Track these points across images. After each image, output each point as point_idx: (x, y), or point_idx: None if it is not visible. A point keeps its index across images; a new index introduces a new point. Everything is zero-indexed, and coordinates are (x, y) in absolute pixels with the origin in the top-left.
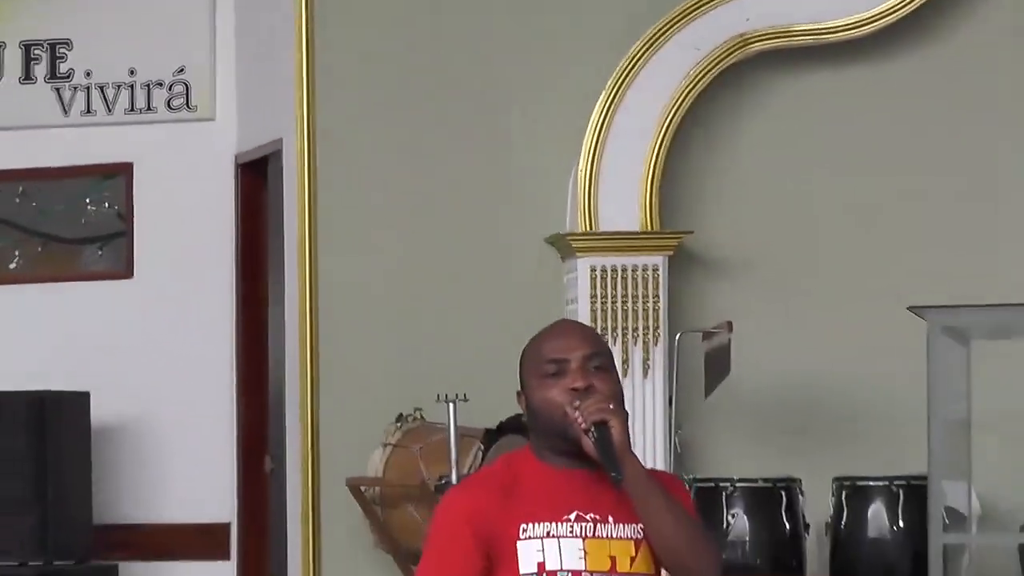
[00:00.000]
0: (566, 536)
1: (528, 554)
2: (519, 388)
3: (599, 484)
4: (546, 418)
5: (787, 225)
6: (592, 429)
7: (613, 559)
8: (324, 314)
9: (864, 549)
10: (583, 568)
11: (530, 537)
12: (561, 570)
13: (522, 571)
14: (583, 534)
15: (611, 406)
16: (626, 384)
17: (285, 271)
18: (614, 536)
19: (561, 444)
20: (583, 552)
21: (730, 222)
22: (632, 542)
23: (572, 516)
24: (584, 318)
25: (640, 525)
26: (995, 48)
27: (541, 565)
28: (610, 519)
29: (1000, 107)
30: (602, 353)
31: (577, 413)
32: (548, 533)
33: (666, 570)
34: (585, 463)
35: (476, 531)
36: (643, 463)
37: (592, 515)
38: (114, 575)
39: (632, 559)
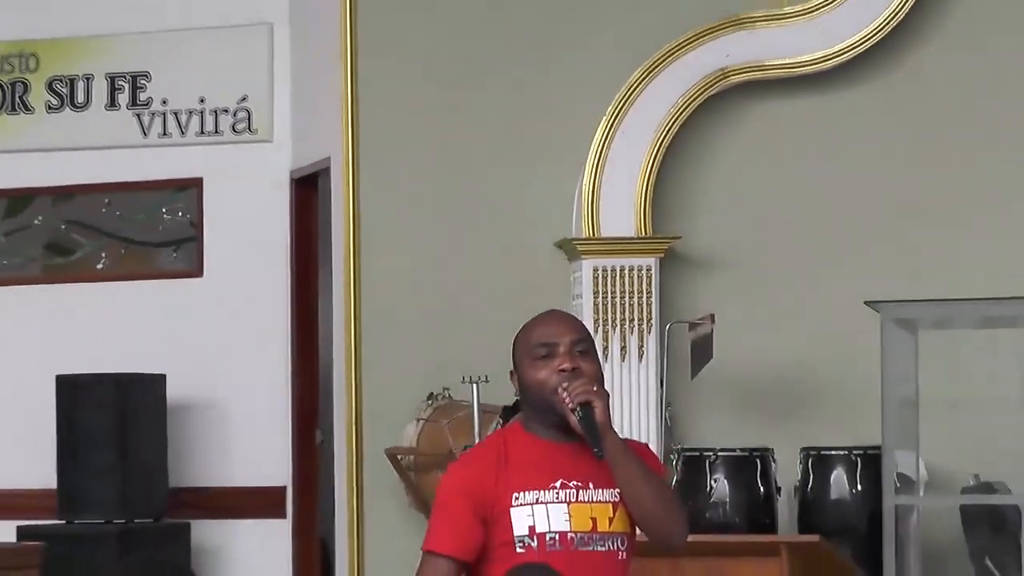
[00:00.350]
0: (553, 502)
1: (520, 519)
2: (512, 369)
3: (581, 454)
4: (537, 395)
5: (762, 231)
6: (578, 408)
7: (594, 520)
8: (366, 308)
9: (827, 509)
10: (568, 529)
11: (522, 504)
12: (549, 531)
13: (516, 533)
14: (567, 499)
15: (595, 388)
16: (623, 368)
17: (333, 270)
18: (594, 500)
19: (550, 418)
20: (568, 515)
21: (713, 229)
22: (610, 505)
23: (558, 484)
24: (588, 312)
25: (617, 490)
26: (939, 78)
27: (532, 528)
28: (591, 485)
29: (943, 128)
30: (586, 339)
31: (565, 394)
32: (537, 500)
33: (641, 529)
34: (569, 435)
35: (473, 502)
36: (620, 436)
37: (575, 482)
38: (186, 531)
39: (610, 519)
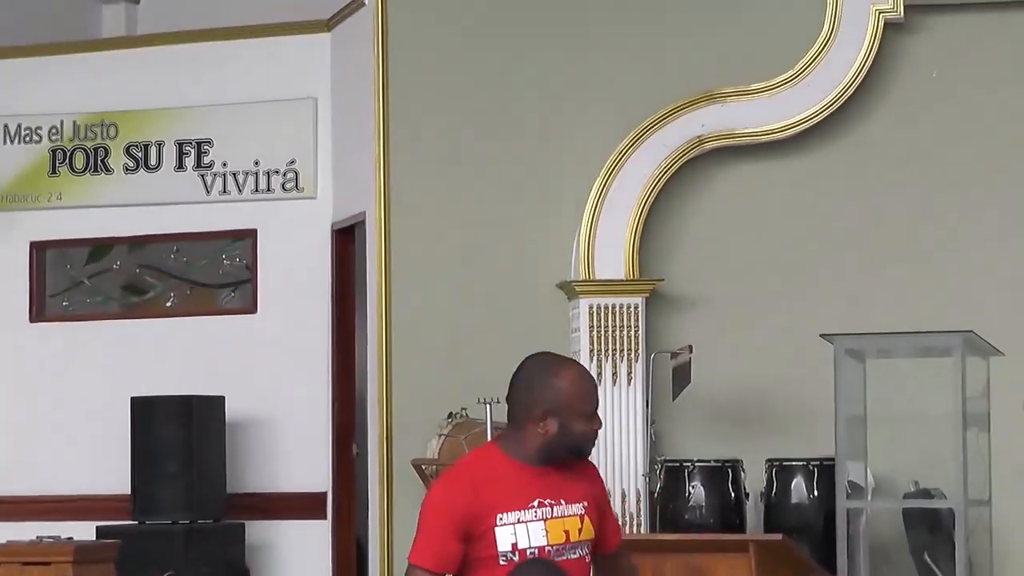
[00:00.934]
0: (532, 520)
1: (504, 537)
2: (547, 410)
3: (553, 475)
4: (576, 442)
5: (733, 274)
6: None
7: (567, 532)
8: (395, 340)
9: (789, 512)
10: (546, 543)
11: (504, 524)
12: (530, 547)
13: (500, 549)
14: (544, 517)
15: None
16: (614, 391)
17: (367, 308)
18: (566, 515)
19: (565, 455)
20: (545, 531)
21: (691, 272)
22: (578, 517)
23: (535, 503)
24: (584, 343)
25: (584, 503)
26: (883, 145)
27: (514, 545)
28: (562, 501)
29: (887, 187)
30: None
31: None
32: (518, 520)
33: None
34: (550, 464)
35: (455, 520)
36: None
37: (549, 500)
38: (241, 531)
39: (579, 530)
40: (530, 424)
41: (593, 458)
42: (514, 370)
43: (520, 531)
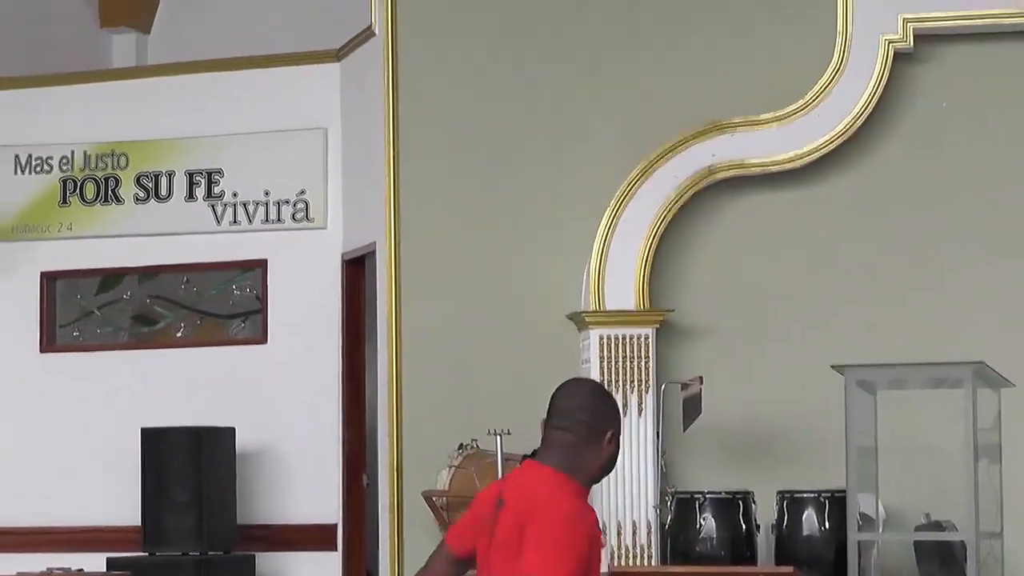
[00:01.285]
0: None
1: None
2: (613, 431)
3: None
4: (616, 459)
5: (743, 305)
6: None
7: None
8: (406, 371)
9: (800, 544)
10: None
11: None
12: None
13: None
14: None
15: None
16: (625, 422)
17: (377, 338)
18: None
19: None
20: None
21: (701, 303)
22: None
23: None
24: (595, 373)
25: None
26: (892, 175)
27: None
28: None
29: (897, 217)
30: None
31: None
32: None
33: None
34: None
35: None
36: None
37: None
38: (252, 562)
39: None
40: (594, 445)
41: (603, 489)
42: (556, 395)
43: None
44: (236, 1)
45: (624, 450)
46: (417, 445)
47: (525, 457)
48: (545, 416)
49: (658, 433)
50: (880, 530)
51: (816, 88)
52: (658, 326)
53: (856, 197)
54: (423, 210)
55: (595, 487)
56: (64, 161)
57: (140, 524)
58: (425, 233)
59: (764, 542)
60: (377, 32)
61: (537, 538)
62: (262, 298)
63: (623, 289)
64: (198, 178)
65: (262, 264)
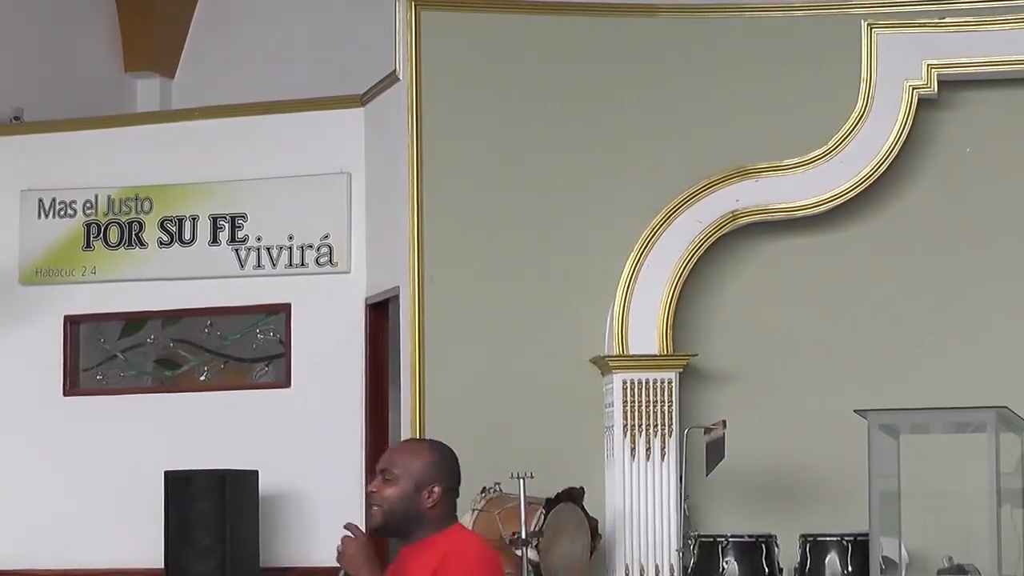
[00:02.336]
0: None
1: None
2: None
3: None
4: None
5: (767, 349)
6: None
7: None
8: (429, 414)
9: None
10: None
11: None
12: None
13: None
14: None
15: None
16: (648, 466)
17: (401, 384)
18: None
19: None
20: None
21: (725, 347)
22: None
23: None
24: (618, 417)
25: None
26: (914, 221)
27: None
28: None
29: (919, 263)
30: (390, 467)
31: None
32: None
33: None
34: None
35: None
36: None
37: None
38: None
39: None
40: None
41: (627, 533)
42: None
43: None
44: (260, 46)
45: (647, 494)
46: None
47: (547, 500)
48: (455, 483)
49: (681, 477)
50: (903, 574)
51: (840, 134)
52: (681, 370)
53: (879, 242)
54: (447, 256)
55: (618, 531)
56: (88, 205)
57: (163, 567)
58: (449, 277)
59: None
60: (401, 77)
61: None
62: (285, 342)
63: (647, 333)
64: (222, 222)
65: (286, 308)
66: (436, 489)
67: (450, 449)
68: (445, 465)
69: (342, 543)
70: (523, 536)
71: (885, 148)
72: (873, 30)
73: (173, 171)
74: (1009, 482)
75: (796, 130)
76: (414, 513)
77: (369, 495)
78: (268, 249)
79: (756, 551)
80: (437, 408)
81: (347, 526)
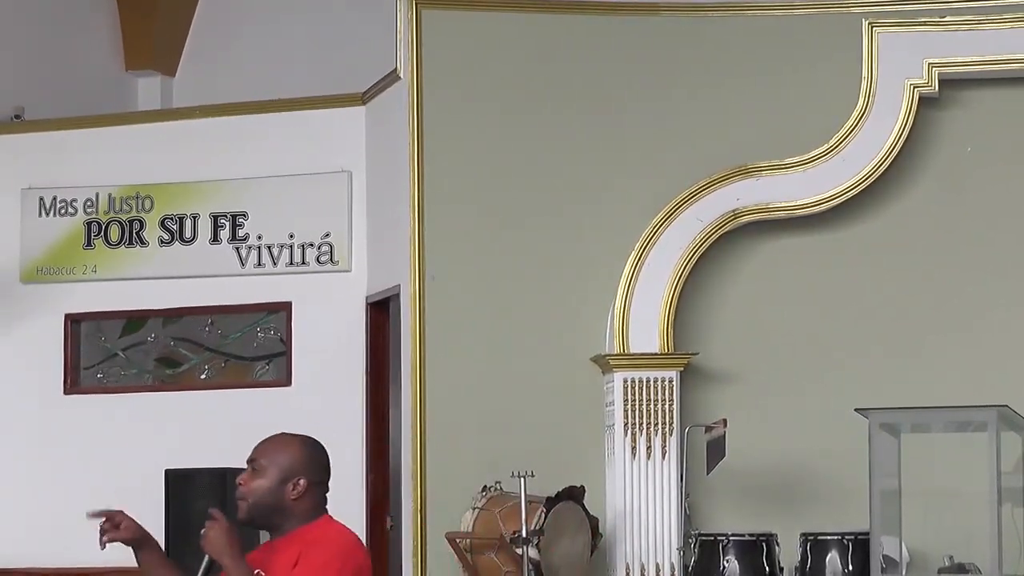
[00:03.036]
0: None
1: None
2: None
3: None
4: None
5: (767, 348)
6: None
7: None
8: (430, 413)
9: None
10: None
11: None
12: None
13: None
14: None
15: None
16: (649, 464)
17: (402, 382)
18: None
19: None
20: None
21: (726, 346)
22: None
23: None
24: (619, 416)
25: None
26: (915, 220)
27: None
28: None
29: (920, 261)
30: (258, 459)
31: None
32: None
33: None
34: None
35: None
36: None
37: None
38: None
39: None
40: None
41: (628, 532)
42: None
43: None
44: (261, 44)
45: (648, 492)
46: (441, 487)
47: (548, 499)
48: (323, 477)
49: (682, 476)
50: (903, 572)
51: (841, 132)
52: (682, 369)
53: (880, 241)
54: (448, 254)
55: (619, 530)
56: (89, 204)
57: None
58: (450, 276)
59: None
60: (402, 76)
61: None
62: (286, 340)
63: (647, 332)
64: (223, 221)
65: (286, 307)
66: (301, 482)
67: (320, 444)
68: (312, 459)
69: (206, 527)
70: (524, 535)
71: (886, 147)
72: (874, 29)
73: (174, 170)
74: (1010, 481)
75: (797, 129)
76: (279, 505)
77: (237, 486)
78: (269, 248)
79: (757, 550)
80: (438, 406)
81: (212, 511)
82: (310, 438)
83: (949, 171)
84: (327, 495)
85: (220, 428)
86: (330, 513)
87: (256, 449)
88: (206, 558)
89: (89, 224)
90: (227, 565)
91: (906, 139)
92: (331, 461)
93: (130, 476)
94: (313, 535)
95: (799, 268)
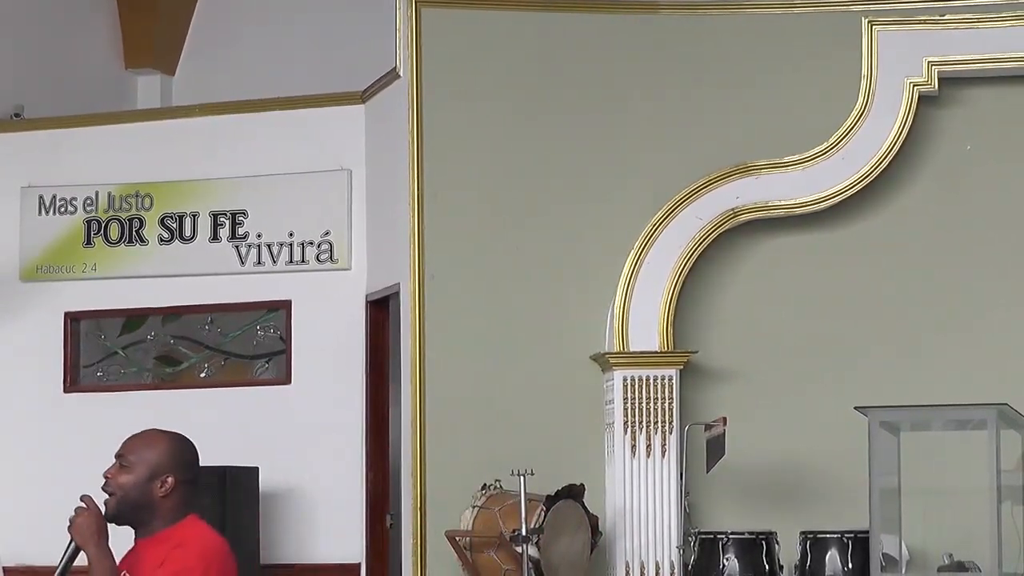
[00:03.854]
0: None
1: None
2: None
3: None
4: None
5: (767, 346)
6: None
7: None
8: (430, 411)
9: None
10: None
11: None
12: None
13: None
14: None
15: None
16: (648, 463)
17: (402, 380)
18: None
19: None
20: None
21: (725, 344)
22: None
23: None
24: (619, 414)
25: None
26: (914, 218)
27: None
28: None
29: (919, 260)
30: (127, 455)
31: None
32: None
33: None
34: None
35: None
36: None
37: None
38: None
39: None
40: None
41: (627, 530)
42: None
43: None
44: (261, 43)
45: (647, 491)
46: (440, 485)
47: (548, 497)
48: (191, 476)
49: (681, 474)
50: (903, 571)
51: (840, 131)
52: (682, 367)
53: (880, 239)
54: (448, 253)
55: (618, 528)
56: (88, 202)
57: None
58: (449, 274)
59: None
60: (402, 74)
61: None
62: (286, 339)
63: (647, 330)
64: (222, 219)
65: (286, 305)
66: (169, 480)
67: (189, 441)
68: (181, 457)
69: (75, 513)
70: (523, 533)
71: (886, 145)
72: (874, 27)
73: (174, 168)
74: (1009, 479)
75: (797, 127)
76: (146, 502)
77: (104, 481)
78: (269, 246)
79: (756, 548)
80: (437, 405)
81: (83, 498)
82: (179, 435)
83: (949, 169)
84: (195, 493)
85: (220, 426)
86: (197, 514)
87: (124, 445)
88: (71, 545)
89: (89, 222)
90: (92, 555)
91: (906, 137)
92: (338, 460)
93: None
94: (178, 537)
95: (799, 266)
